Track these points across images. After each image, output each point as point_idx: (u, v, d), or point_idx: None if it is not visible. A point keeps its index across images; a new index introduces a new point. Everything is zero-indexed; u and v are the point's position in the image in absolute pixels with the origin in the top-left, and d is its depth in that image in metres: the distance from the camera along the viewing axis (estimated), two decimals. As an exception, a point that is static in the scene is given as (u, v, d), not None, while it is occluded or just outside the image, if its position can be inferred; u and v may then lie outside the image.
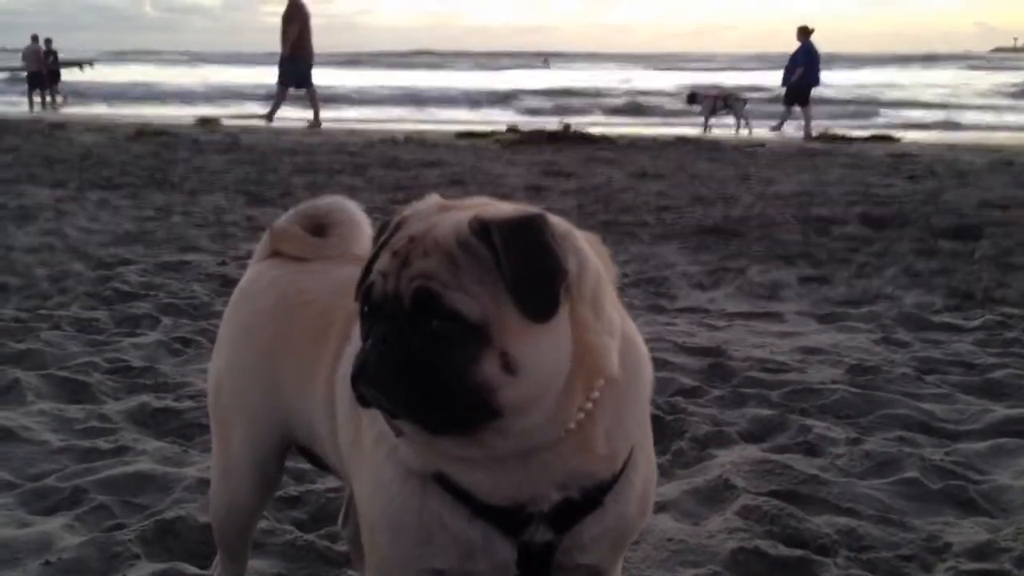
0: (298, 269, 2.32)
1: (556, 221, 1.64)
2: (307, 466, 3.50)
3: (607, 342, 1.67)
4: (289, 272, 2.33)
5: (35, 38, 35.49)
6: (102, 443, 3.81)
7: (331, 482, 3.40)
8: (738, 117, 25.08)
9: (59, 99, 35.10)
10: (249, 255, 7.99)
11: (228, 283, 6.48)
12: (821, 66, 23.78)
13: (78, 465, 3.61)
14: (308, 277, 2.28)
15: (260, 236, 8.56)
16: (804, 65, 23.25)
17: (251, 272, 2.46)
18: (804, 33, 23.66)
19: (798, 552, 2.96)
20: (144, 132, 18.23)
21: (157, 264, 7.21)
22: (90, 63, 44.32)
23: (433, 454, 1.69)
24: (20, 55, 35.38)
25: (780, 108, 25.10)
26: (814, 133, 22.02)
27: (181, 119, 23.21)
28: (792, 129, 23.81)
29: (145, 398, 4.34)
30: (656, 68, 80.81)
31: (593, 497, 1.74)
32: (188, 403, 4.26)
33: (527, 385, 1.58)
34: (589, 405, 1.66)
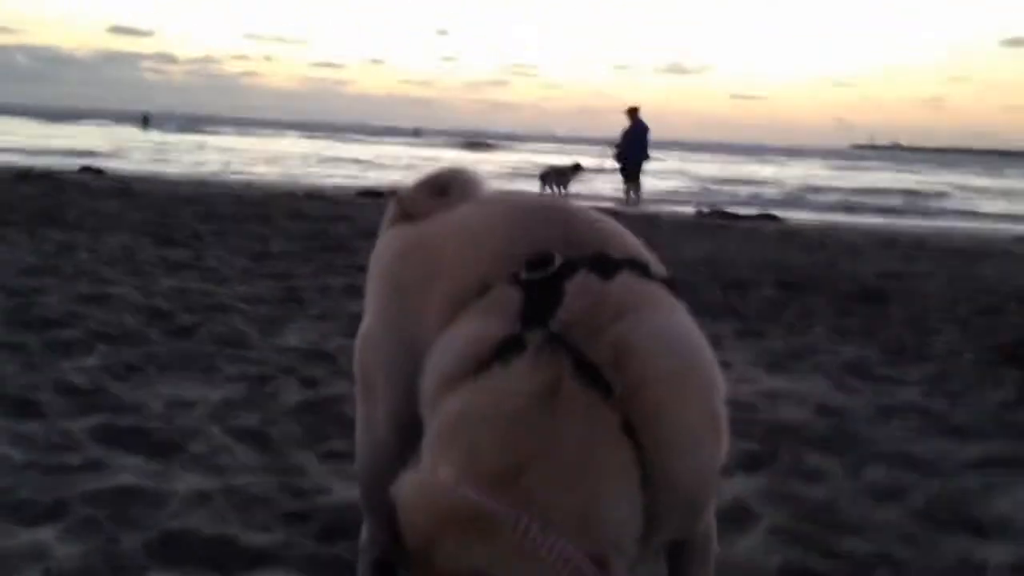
0: (430, 221, 2.24)
1: None
2: (311, 484, 3.29)
3: None
4: (425, 224, 2.24)
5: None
6: (71, 458, 3.49)
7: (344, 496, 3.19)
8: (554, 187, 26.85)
9: None
10: (173, 291, 7.57)
11: (160, 315, 6.16)
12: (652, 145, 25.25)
13: (50, 478, 3.29)
14: (437, 225, 2.20)
15: (179, 274, 8.15)
16: (634, 143, 24.44)
17: (390, 233, 2.36)
18: (633, 112, 24.94)
19: (846, 566, 2.91)
20: (29, 176, 17.44)
21: (76, 295, 6.78)
22: None
23: None
24: None
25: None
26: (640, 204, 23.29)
27: (65, 165, 22.34)
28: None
29: (105, 417, 4.02)
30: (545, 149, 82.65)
31: None
32: (156, 423, 3.96)
33: None
34: None
